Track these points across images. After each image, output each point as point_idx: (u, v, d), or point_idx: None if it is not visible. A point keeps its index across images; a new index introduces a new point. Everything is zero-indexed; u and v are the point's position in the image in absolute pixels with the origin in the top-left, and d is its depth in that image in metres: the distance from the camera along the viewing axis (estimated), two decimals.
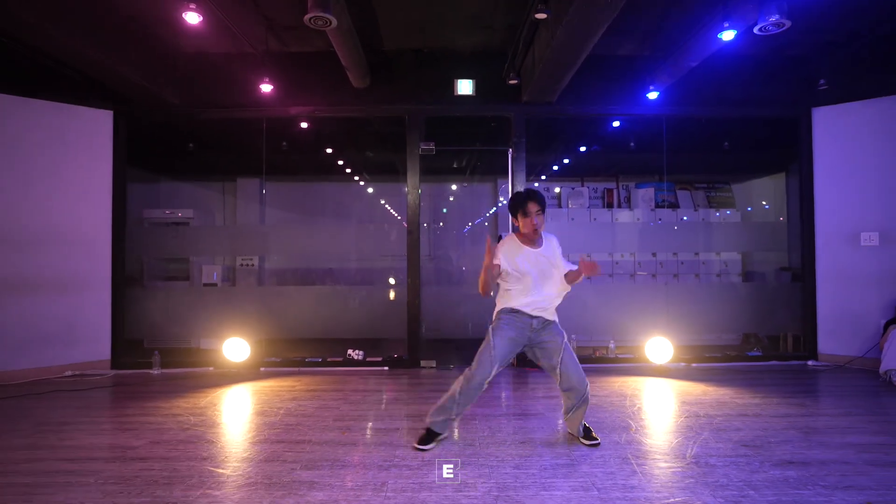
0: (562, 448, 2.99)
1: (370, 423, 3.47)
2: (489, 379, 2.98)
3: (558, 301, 3.12)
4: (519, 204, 3.03)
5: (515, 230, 3.15)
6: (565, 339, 3.09)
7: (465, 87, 5.20)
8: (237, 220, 7.53)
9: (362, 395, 4.21)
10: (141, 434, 3.28)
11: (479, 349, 3.04)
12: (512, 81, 4.82)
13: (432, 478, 2.61)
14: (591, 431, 3.14)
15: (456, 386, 3.04)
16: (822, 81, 4.81)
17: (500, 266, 3.00)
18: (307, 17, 3.46)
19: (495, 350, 2.99)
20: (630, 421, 3.49)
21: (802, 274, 5.42)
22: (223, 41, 4.99)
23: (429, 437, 3.06)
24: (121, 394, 4.35)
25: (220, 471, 2.70)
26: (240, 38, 4.76)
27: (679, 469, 2.69)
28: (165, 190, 7.81)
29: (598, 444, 3.05)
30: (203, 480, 2.58)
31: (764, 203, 7.86)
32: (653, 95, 5.06)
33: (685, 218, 7.13)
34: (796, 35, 4.83)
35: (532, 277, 3.02)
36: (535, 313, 3.04)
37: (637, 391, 4.29)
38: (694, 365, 5.21)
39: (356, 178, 8.08)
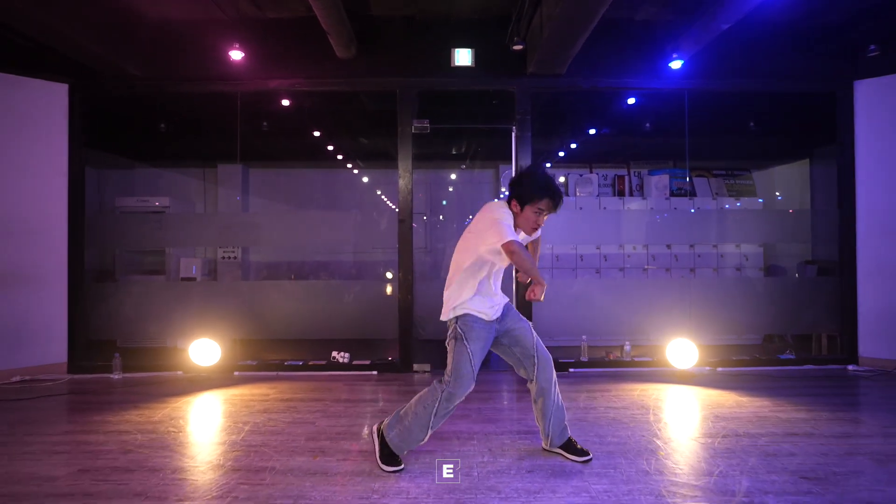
0: (577, 480, 2.43)
1: (348, 444, 2.92)
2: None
3: None
4: (535, 195, 2.42)
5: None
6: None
7: (463, 57, 4.61)
8: (218, 209, 6.96)
9: (344, 407, 3.66)
10: (71, 459, 2.73)
11: (455, 360, 2.49)
12: (517, 47, 4.22)
13: None
14: (575, 442, 2.71)
15: (428, 406, 2.49)
16: (871, 47, 4.22)
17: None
18: None
19: (475, 361, 2.49)
20: (657, 441, 2.93)
21: (840, 268, 4.84)
22: (191, 6, 4.41)
23: (393, 456, 2.56)
24: (67, 404, 3.80)
25: None
26: (208, 2, 4.19)
27: None
28: (142, 177, 7.23)
29: (590, 458, 2.64)
30: None
31: (782, 195, 7.26)
32: (676, 65, 4.47)
33: (704, 209, 6.55)
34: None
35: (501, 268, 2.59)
36: (496, 313, 2.59)
37: (660, 402, 3.72)
38: (720, 369, 4.64)
39: (348, 165, 7.50)
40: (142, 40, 4.65)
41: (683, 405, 3.67)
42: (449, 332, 2.56)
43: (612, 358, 4.78)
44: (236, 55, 4.25)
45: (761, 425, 3.18)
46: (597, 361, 4.71)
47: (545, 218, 2.47)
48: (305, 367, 4.68)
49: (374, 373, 4.65)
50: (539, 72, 4.54)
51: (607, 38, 4.62)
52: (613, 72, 4.73)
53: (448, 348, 2.54)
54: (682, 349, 4.39)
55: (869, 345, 4.69)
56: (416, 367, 4.69)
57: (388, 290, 5.08)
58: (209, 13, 4.48)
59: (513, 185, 2.51)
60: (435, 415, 2.49)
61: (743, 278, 6.17)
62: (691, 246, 6.50)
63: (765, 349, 5.43)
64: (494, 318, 2.56)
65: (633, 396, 3.85)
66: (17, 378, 4.38)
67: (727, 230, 5.35)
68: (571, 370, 4.61)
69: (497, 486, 2.38)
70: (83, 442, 2.97)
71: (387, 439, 2.55)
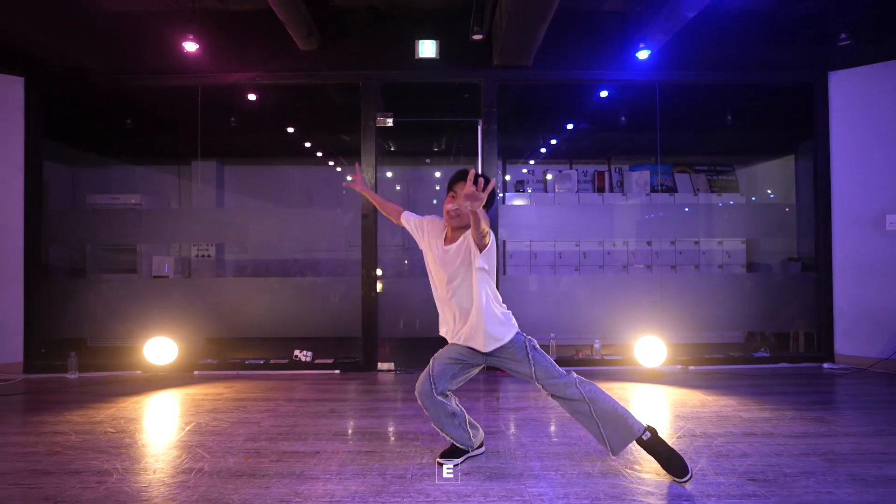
0: (514, 483, 2.32)
1: (287, 445, 2.81)
2: (437, 392, 2.42)
3: (492, 317, 2.36)
4: (453, 182, 2.40)
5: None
6: (530, 348, 2.41)
7: (427, 48, 4.51)
8: (193, 207, 6.85)
9: (296, 406, 3.55)
10: None
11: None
12: (476, 37, 4.12)
13: None
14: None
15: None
16: (842, 36, 4.10)
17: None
18: None
19: (433, 369, 2.46)
20: None
21: (816, 264, 4.73)
22: None
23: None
24: (12, 405, 3.69)
25: None
26: None
27: None
28: (117, 175, 7.14)
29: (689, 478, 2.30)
30: None
31: (769, 192, 7.15)
32: (643, 55, 4.35)
33: (685, 205, 6.44)
34: None
35: (441, 284, 2.44)
36: (465, 343, 2.43)
37: (624, 401, 3.58)
38: (692, 368, 4.52)
39: (330, 162, 7.40)
40: (99, 33, 4.55)
41: (646, 405, 3.56)
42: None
43: (581, 356, 4.67)
44: (191, 46, 4.14)
45: (721, 425, 3.07)
46: (566, 360, 4.59)
47: (456, 201, 2.34)
48: (266, 366, 4.57)
49: (337, 372, 4.54)
50: (504, 63, 4.43)
51: (574, 30, 4.53)
52: (581, 63, 4.62)
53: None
54: (651, 347, 4.27)
55: (845, 342, 4.57)
56: (380, 365, 4.58)
57: (358, 287, 4.97)
58: (168, 4, 4.39)
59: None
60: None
61: (720, 274, 6.05)
62: (672, 242, 6.38)
63: (747, 347, 5.31)
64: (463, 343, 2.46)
65: None
66: None
67: (709, 225, 5.24)
68: None
69: (426, 489, 2.27)
70: (11, 443, 2.87)
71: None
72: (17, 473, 2.45)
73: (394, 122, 4.57)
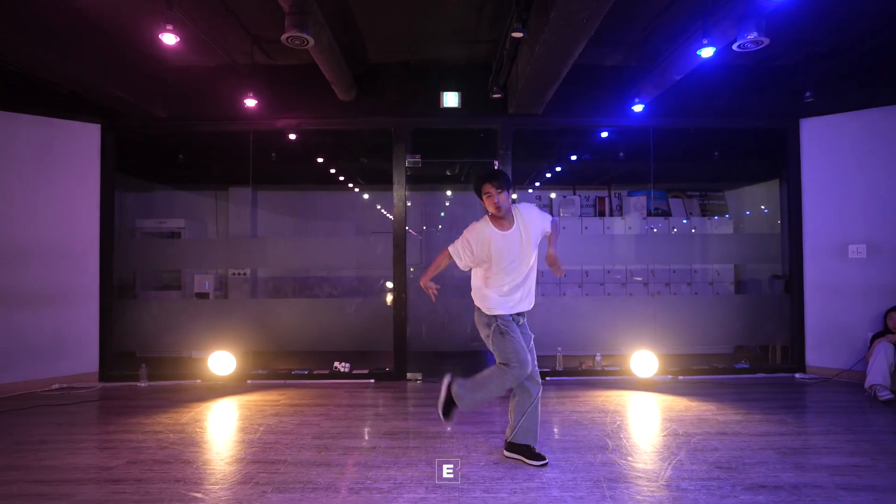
0: (533, 469, 2.99)
1: (347, 442, 3.48)
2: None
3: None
4: (478, 187, 3.05)
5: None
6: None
7: (451, 99, 5.20)
8: (230, 229, 7.54)
9: (345, 411, 4.22)
10: (119, 453, 3.30)
11: (504, 349, 2.95)
12: (495, 96, 4.81)
13: (401, 502, 2.61)
14: (534, 448, 3.10)
15: (496, 382, 3.00)
16: (807, 94, 4.78)
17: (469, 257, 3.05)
18: (285, 36, 3.47)
19: (519, 343, 2.99)
20: (608, 440, 3.48)
21: (790, 285, 5.40)
22: (210, 55, 5.01)
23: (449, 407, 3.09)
24: (105, 409, 4.38)
25: (192, 494, 2.71)
26: (225, 53, 4.78)
27: (650, 493, 2.69)
28: (160, 199, 7.82)
29: (546, 462, 3.04)
30: None
31: (763, 208, 7.81)
32: (638, 108, 5.05)
33: (678, 229, 7.12)
34: (783, 47, 4.81)
35: (507, 261, 3.01)
36: (519, 308, 3.09)
37: (620, 406, 4.28)
38: (681, 378, 5.19)
39: (350, 185, 8.09)
40: (166, 85, 5.24)
41: (639, 409, 4.22)
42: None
43: (584, 367, 5.34)
44: (250, 102, 4.83)
45: (700, 426, 3.73)
46: (570, 370, 5.27)
47: (496, 197, 2.97)
48: (311, 376, 5.25)
49: (372, 381, 5.21)
50: (518, 112, 5.12)
51: (580, 82, 5.20)
52: (585, 112, 5.31)
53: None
54: (645, 360, 4.94)
55: (815, 355, 5.24)
56: (409, 375, 5.25)
57: (384, 305, 5.65)
58: (225, 61, 5.07)
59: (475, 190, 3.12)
60: (494, 390, 3.05)
61: (710, 295, 6.72)
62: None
63: (734, 359, 5.97)
64: (516, 312, 3.09)
65: (598, 402, 4.41)
66: (56, 385, 4.96)
67: (702, 252, 5.94)
68: (548, 378, 5.16)
69: (468, 474, 2.94)
70: (126, 440, 3.54)
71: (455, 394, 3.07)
72: (144, 462, 3.13)
73: (422, 161, 5.26)
